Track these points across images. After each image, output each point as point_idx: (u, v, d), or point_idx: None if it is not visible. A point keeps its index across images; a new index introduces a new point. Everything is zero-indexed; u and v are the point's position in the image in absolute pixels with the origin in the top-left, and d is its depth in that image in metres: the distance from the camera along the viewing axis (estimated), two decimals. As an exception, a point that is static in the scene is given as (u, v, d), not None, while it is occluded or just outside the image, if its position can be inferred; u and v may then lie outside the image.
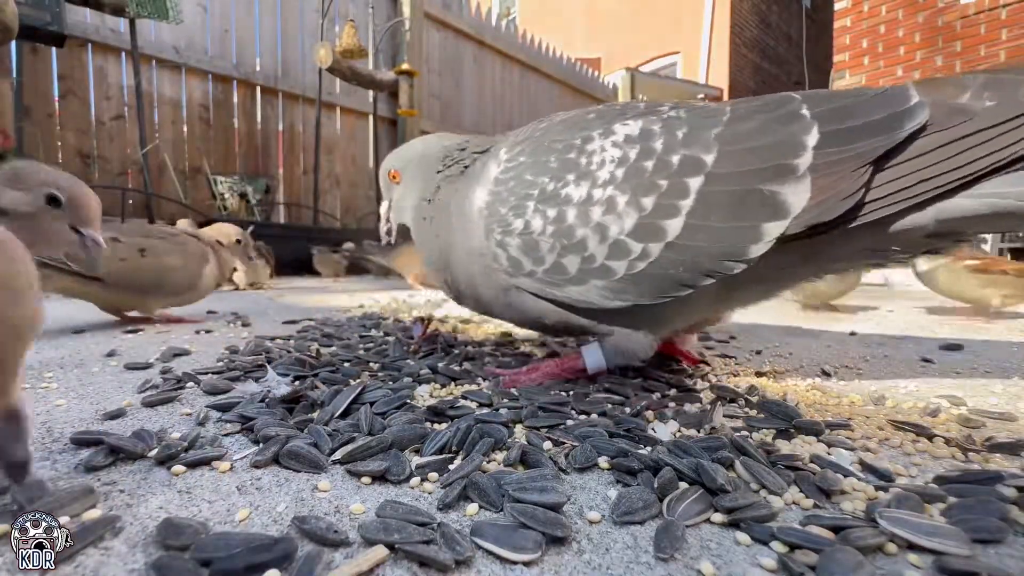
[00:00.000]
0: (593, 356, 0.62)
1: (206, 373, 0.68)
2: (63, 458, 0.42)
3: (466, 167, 0.70)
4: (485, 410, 0.52)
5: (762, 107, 0.55)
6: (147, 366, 0.75)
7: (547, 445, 0.44)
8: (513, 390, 0.59)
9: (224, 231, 1.33)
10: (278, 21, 3.68)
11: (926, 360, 0.82)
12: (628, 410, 0.53)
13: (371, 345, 0.88)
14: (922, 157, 0.48)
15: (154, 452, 0.42)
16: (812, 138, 0.50)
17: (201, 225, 2.84)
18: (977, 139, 0.47)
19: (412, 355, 0.79)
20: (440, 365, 0.70)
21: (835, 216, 0.49)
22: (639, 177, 0.54)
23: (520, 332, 1.03)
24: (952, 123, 0.48)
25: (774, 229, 0.50)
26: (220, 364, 0.74)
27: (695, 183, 0.52)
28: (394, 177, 0.78)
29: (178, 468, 0.40)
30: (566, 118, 0.64)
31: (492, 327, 1.11)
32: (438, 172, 0.72)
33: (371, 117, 4.06)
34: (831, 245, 0.54)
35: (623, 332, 0.61)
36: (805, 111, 0.52)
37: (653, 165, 0.54)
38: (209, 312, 1.40)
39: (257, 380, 0.65)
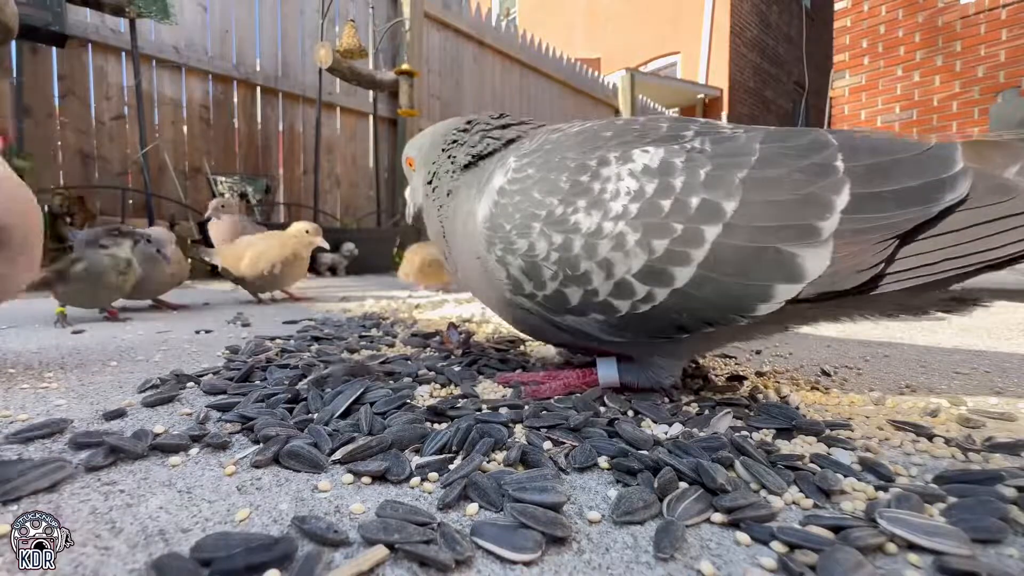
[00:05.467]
0: (607, 371, 0.60)
1: (206, 373, 0.69)
2: (63, 458, 0.42)
3: (476, 156, 0.68)
4: (485, 410, 0.52)
5: (793, 150, 0.50)
6: (148, 366, 0.75)
7: (547, 445, 0.44)
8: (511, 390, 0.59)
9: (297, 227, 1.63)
10: (278, 21, 3.68)
11: (926, 360, 0.82)
12: (630, 412, 0.53)
13: (370, 345, 0.88)
14: (953, 234, 0.45)
15: (154, 452, 0.42)
16: (842, 199, 0.46)
17: (199, 224, 2.86)
18: (1015, 222, 0.43)
19: (451, 357, 0.77)
20: (456, 369, 0.70)
21: (848, 288, 0.46)
22: (654, 216, 0.50)
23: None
24: (991, 200, 0.44)
25: (786, 292, 0.47)
26: (220, 364, 0.74)
27: (711, 232, 0.48)
28: (410, 164, 0.80)
29: (178, 468, 0.40)
30: (582, 130, 0.60)
31: (492, 327, 1.10)
32: (441, 150, 0.72)
33: (371, 117, 4.06)
34: (839, 306, 0.52)
35: (646, 357, 0.58)
36: (840, 163, 0.48)
37: (670, 206, 0.50)
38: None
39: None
